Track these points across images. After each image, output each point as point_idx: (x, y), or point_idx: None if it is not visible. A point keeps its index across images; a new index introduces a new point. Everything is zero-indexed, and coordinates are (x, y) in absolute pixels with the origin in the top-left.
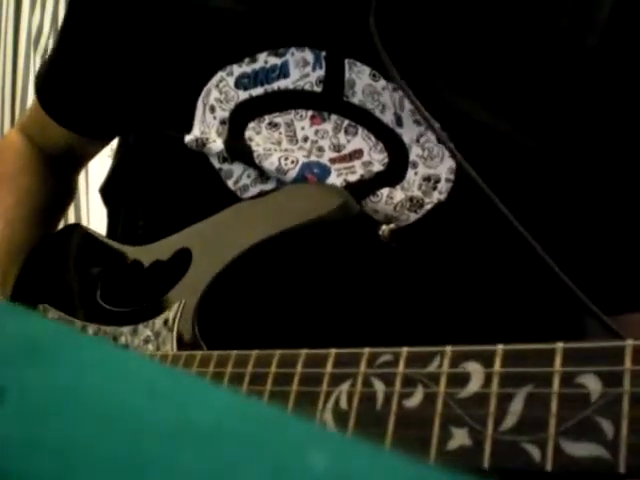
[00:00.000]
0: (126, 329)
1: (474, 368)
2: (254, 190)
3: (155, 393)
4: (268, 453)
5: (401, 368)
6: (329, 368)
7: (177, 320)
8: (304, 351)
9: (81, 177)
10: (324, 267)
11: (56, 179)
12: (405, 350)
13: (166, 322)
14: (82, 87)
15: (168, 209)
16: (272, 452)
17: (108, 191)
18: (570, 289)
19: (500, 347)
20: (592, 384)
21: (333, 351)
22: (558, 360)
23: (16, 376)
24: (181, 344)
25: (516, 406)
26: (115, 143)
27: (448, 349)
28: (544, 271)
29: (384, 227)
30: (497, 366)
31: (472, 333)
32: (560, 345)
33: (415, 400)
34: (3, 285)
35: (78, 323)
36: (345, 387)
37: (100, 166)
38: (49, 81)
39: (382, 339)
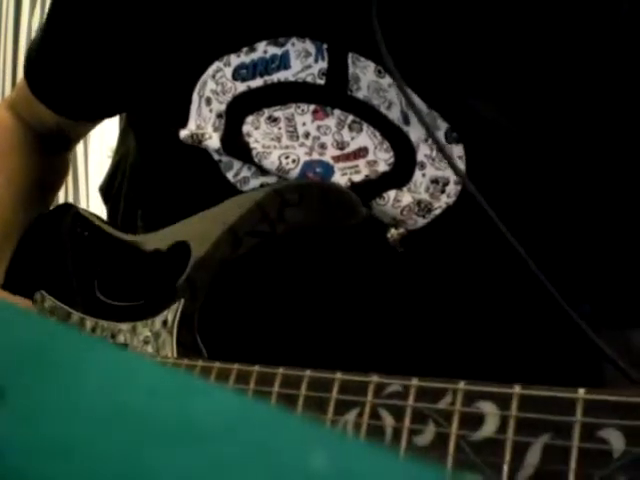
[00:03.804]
0: (125, 326)
1: (489, 409)
2: (255, 182)
3: (156, 394)
4: (269, 453)
5: (411, 401)
6: (334, 393)
7: (176, 322)
8: (308, 373)
9: (81, 177)
10: (329, 269)
11: (47, 158)
12: (415, 382)
13: (165, 323)
14: (71, 71)
15: (167, 201)
16: (273, 452)
17: (108, 190)
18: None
19: (517, 390)
20: (615, 440)
21: (339, 376)
22: (579, 410)
23: (17, 376)
24: (181, 349)
25: (533, 457)
26: (115, 143)
27: (461, 385)
28: (543, 291)
29: (393, 231)
30: (513, 410)
31: (475, 343)
32: (582, 394)
33: (426, 438)
34: None
35: (75, 316)
36: (352, 417)
37: (100, 166)
38: (37, 64)
39: (385, 343)
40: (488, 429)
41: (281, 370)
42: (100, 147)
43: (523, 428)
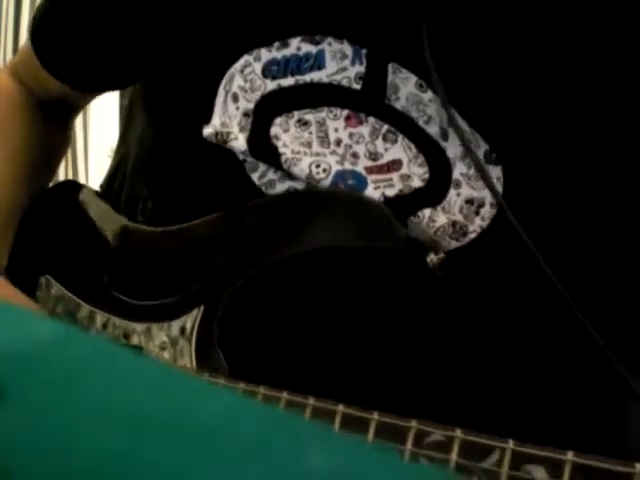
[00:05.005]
0: (139, 327)
1: (539, 475)
2: (282, 187)
3: (156, 393)
4: (268, 453)
5: (454, 455)
6: (371, 436)
7: (196, 331)
8: (341, 408)
9: (81, 177)
10: (365, 292)
11: (50, 126)
12: (459, 433)
13: (183, 330)
14: (82, 42)
15: (184, 198)
16: (272, 452)
17: (108, 189)
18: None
19: (570, 457)
20: None
21: (375, 417)
22: None
23: (17, 376)
24: (200, 359)
25: None
26: (115, 143)
27: (510, 445)
28: (580, 331)
29: (433, 256)
30: (566, 479)
31: (508, 369)
32: (639, 469)
33: None
34: None
35: (85, 308)
36: None
37: (100, 166)
38: (46, 32)
39: (416, 367)
40: None
41: (312, 401)
42: (100, 147)
43: None
